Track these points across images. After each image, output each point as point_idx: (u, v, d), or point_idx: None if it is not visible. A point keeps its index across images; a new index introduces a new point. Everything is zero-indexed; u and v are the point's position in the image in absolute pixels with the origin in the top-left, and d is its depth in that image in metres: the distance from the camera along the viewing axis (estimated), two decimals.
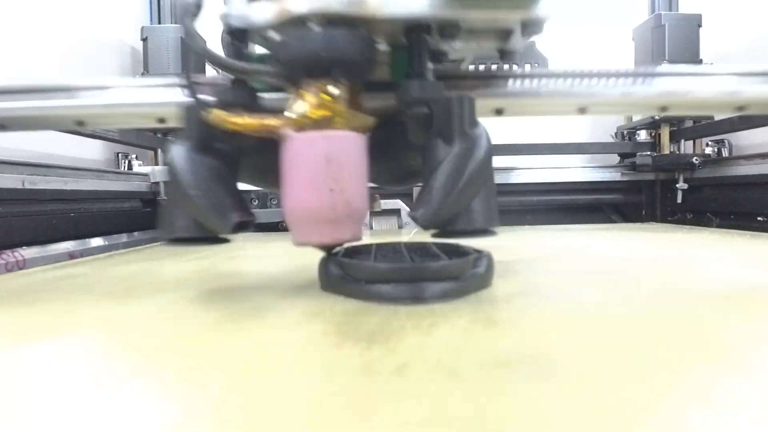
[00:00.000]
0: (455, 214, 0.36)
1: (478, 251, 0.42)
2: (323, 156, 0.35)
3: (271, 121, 0.36)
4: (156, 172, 1.19)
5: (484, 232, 0.37)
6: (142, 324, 0.35)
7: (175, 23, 0.39)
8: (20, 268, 0.70)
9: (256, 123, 0.37)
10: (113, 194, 1.01)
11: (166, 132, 1.31)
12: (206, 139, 0.38)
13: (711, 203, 1.23)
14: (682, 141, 1.38)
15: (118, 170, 1.18)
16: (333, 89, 0.37)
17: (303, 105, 0.36)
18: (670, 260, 0.60)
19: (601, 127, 1.54)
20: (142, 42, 1.31)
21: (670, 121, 1.34)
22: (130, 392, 0.22)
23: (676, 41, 1.30)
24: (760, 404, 0.20)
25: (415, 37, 0.40)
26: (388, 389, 0.22)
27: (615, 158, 1.48)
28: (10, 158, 0.75)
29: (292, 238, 0.37)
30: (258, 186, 0.47)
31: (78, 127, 0.62)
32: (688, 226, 1.20)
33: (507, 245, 0.73)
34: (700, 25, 1.31)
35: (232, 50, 0.40)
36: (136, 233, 1.06)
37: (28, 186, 0.76)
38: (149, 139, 1.26)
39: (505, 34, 0.42)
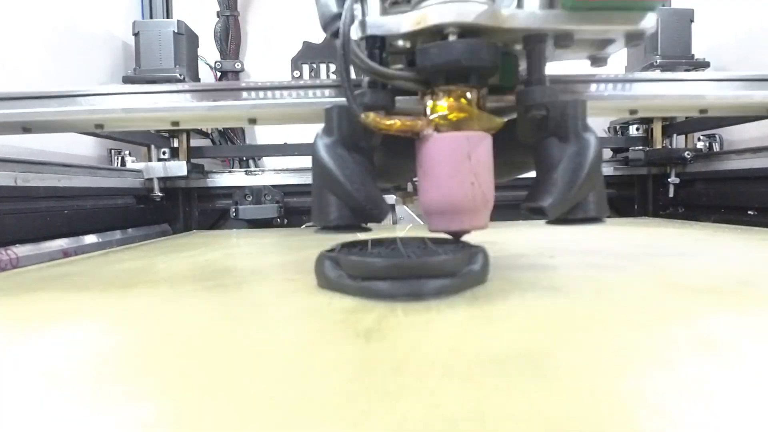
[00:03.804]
0: (576, 204, 0.41)
1: (474, 246, 0.43)
2: (466, 153, 0.39)
3: (414, 122, 0.40)
4: (149, 168, 1.18)
5: (596, 220, 0.42)
6: (139, 323, 0.35)
7: (327, 34, 0.41)
8: (14, 267, 0.70)
9: (403, 124, 0.40)
10: (107, 191, 1.00)
11: (159, 128, 1.31)
12: (353, 137, 0.42)
13: (702, 197, 1.24)
14: (674, 136, 1.39)
15: (111, 167, 1.17)
16: (468, 93, 0.41)
17: (442, 107, 0.40)
18: (662, 255, 0.60)
19: (594, 122, 1.55)
20: (133, 37, 1.30)
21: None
22: (128, 391, 0.22)
23: (669, 36, 1.31)
24: (754, 399, 0.20)
25: (535, 46, 0.44)
26: (387, 386, 0.22)
27: (607, 153, 1.49)
28: (2, 155, 0.74)
29: (430, 225, 0.42)
30: (380, 180, 0.50)
31: (97, 129, 0.67)
32: (680, 221, 1.21)
33: (501, 240, 0.74)
34: (692, 20, 1.32)
35: (374, 57, 0.43)
36: (130, 230, 1.06)
37: (21, 183, 0.76)
38: (142, 135, 1.25)
39: (605, 42, 0.46)
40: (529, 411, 0.19)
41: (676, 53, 1.30)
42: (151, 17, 1.49)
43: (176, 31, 1.30)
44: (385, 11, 0.42)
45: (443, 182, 0.39)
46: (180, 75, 1.27)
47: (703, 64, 1.31)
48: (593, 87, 0.63)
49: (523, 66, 0.48)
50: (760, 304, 0.35)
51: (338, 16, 0.41)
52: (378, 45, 0.43)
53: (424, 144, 0.40)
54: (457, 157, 0.39)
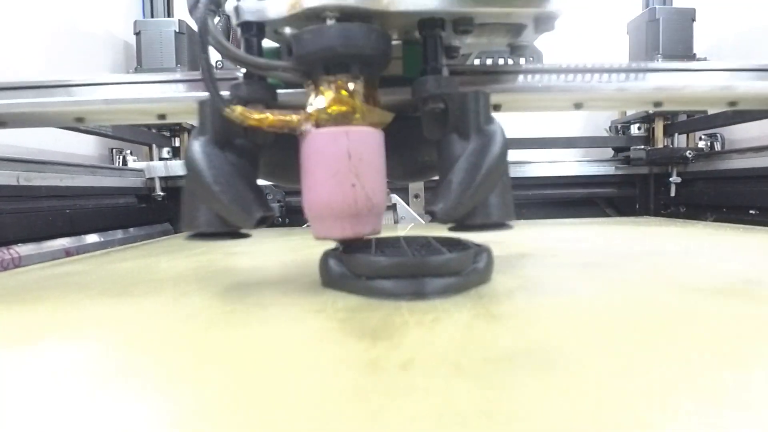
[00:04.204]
0: (473, 209, 0.37)
1: (478, 245, 0.43)
2: (345, 151, 0.35)
3: (290, 117, 0.37)
4: (151, 167, 1.18)
5: (500, 225, 0.38)
6: (143, 322, 0.35)
7: (190, 17, 0.37)
8: (16, 266, 0.70)
9: (276, 119, 0.37)
10: (108, 190, 1.00)
11: (160, 127, 1.31)
12: (225, 134, 0.38)
13: (704, 197, 1.24)
14: (676, 135, 1.39)
15: (112, 166, 1.17)
16: (350, 84, 0.37)
17: (321, 100, 0.37)
18: (665, 254, 0.60)
19: (595, 122, 1.55)
20: (135, 36, 1.30)
21: (664, 115, 1.35)
22: (133, 390, 0.22)
23: (670, 35, 1.31)
24: (757, 397, 0.20)
25: (429, 32, 0.40)
26: (395, 385, 0.22)
27: (609, 152, 1.49)
28: (4, 155, 0.74)
29: (313, 232, 0.38)
30: (277, 182, 0.46)
31: (77, 123, 0.61)
32: (681, 220, 1.21)
33: (504, 240, 0.74)
34: (693, 19, 1.32)
35: (246, 45, 0.40)
36: (131, 229, 1.06)
37: (23, 182, 0.76)
38: (143, 134, 1.25)
39: (518, 29, 0.43)
40: (537, 409, 0.19)
41: (677, 52, 1.30)
42: (152, 16, 1.49)
43: (177, 30, 1.30)
44: None
45: (320, 183, 0.36)
46: None
47: None
48: (613, 77, 0.58)
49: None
50: (765, 303, 0.35)
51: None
52: (254, 32, 0.39)
53: (302, 141, 0.37)
54: (334, 155, 0.35)
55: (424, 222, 1.20)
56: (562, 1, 0.38)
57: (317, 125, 0.36)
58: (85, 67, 1.22)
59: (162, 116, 0.59)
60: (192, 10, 0.37)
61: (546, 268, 0.51)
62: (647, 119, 1.38)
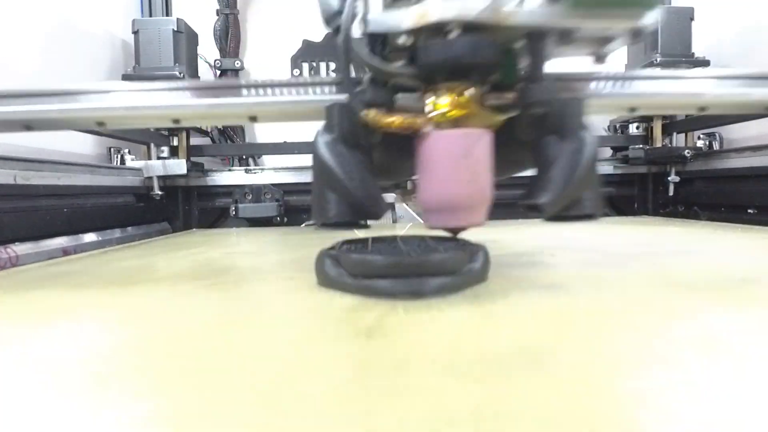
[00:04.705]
0: (571, 202, 0.41)
1: (474, 245, 0.43)
2: (464, 151, 0.39)
3: (415, 120, 0.41)
4: (149, 166, 1.18)
5: (591, 217, 0.42)
6: (139, 322, 0.35)
7: (329, 30, 0.43)
8: (13, 265, 0.70)
9: (403, 121, 0.41)
10: (106, 189, 1.00)
11: (160, 126, 1.30)
12: (354, 135, 0.42)
13: (702, 196, 1.24)
14: (674, 134, 1.39)
15: (110, 165, 1.17)
16: (468, 91, 0.41)
17: (443, 105, 0.40)
18: (663, 253, 0.60)
19: (594, 121, 1.55)
20: (133, 35, 1.30)
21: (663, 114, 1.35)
22: (128, 389, 0.22)
23: (669, 34, 1.31)
24: (752, 396, 0.20)
25: (537, 43, 0.44)
26: (388, 384, 0.22)
27: (607, 151, 1.49)
28: (2, 153, 0.74)
29: (428, 222, 0.42)
30: (379, 177, 0.50)
31: (98, 127, 0.66)
32: (680, 219, 1.21)
33: (501, 239, 0.74)
34: (692, 19, 1.32)
35: (376, 54, 0.43)
36: (129, 228, 1.06)
37: (20, 181, 0.76)
38: (141, 133, 1.25)
39: (606, 40, 0.46)
40: (530, 409, 0.19)
41: (676, 51, 1.30)
42: (151, 15, 1.48)
43: (176, 29, 1.30)
44: (387, 7, 0.42)
45: (441, 180, 0.39)
46: (179, 73, 1.27)
47: (703, 63, 1.31)
48: (593, 84, 0.62)
49: (523, 63, 0.48)
50: (763, 302, 0.35)
51: (339, 12, 0.41)
52: (380, 42, 0.43)
53: (423, 141, 0.40)
54: (454, 155, 0.39)
55: (422, 221, 1.20)
56: (652, 17, 0.41)
57: (437, 127, 0.40)
58: (83, 66, 1.22)
59: (176, 121, 0.65)
60: (330, 21, 0.42)
61: (543, 267, 0.51)
62: (645, 118, 1.37)
